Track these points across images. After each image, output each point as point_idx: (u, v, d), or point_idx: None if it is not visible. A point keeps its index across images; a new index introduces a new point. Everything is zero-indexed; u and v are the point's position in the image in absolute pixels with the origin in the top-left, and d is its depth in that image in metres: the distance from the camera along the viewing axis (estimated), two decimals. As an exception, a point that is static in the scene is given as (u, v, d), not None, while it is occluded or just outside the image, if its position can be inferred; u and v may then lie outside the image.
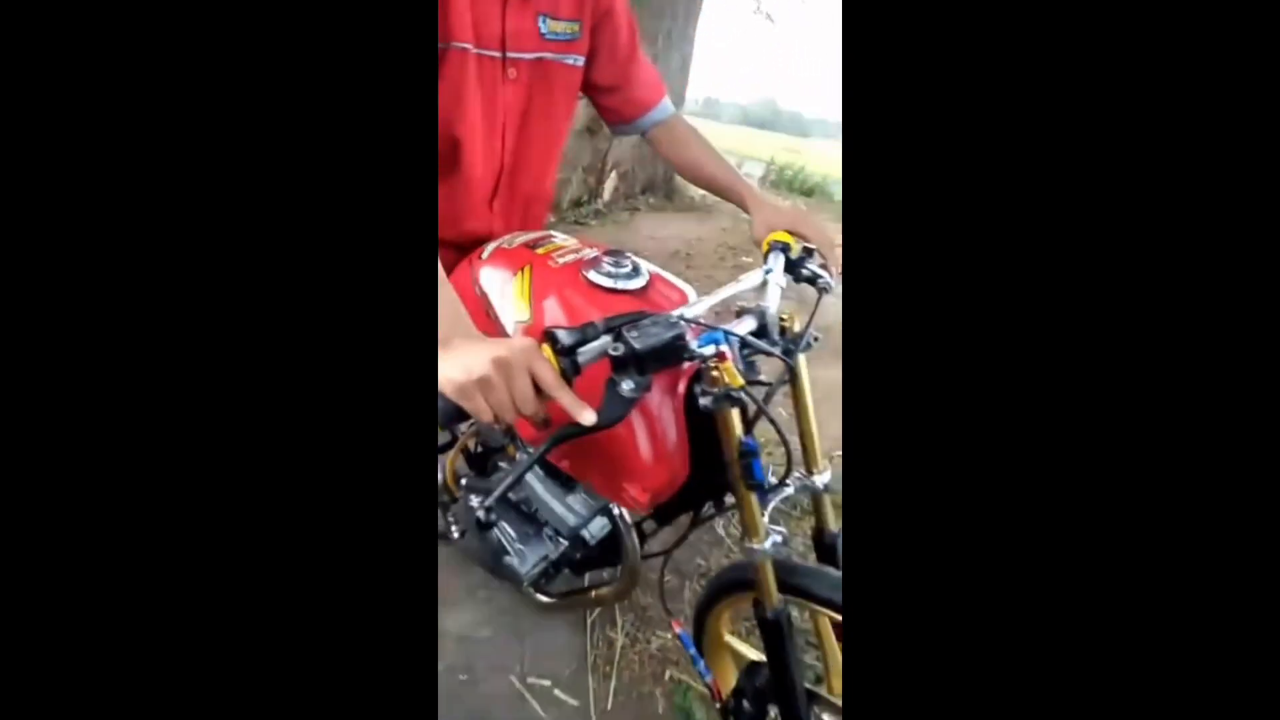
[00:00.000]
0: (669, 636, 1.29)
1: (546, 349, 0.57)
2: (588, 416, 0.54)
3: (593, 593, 1.09)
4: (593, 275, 0.81)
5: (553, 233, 0.96)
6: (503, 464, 1.18)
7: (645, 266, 0.85)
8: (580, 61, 0.93)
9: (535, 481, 1.02)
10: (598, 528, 1.04)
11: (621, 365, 0.57)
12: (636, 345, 0.56)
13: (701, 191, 4.75)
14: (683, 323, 0.60)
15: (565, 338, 0.57)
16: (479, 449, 1.22)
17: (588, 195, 3.93)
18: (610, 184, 4.06)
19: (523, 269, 0.84)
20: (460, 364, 0.52)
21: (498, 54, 0.84)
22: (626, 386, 0.56)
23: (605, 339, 0.58)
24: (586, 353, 0.57)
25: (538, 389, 0.54)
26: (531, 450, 0.97)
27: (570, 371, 0.56)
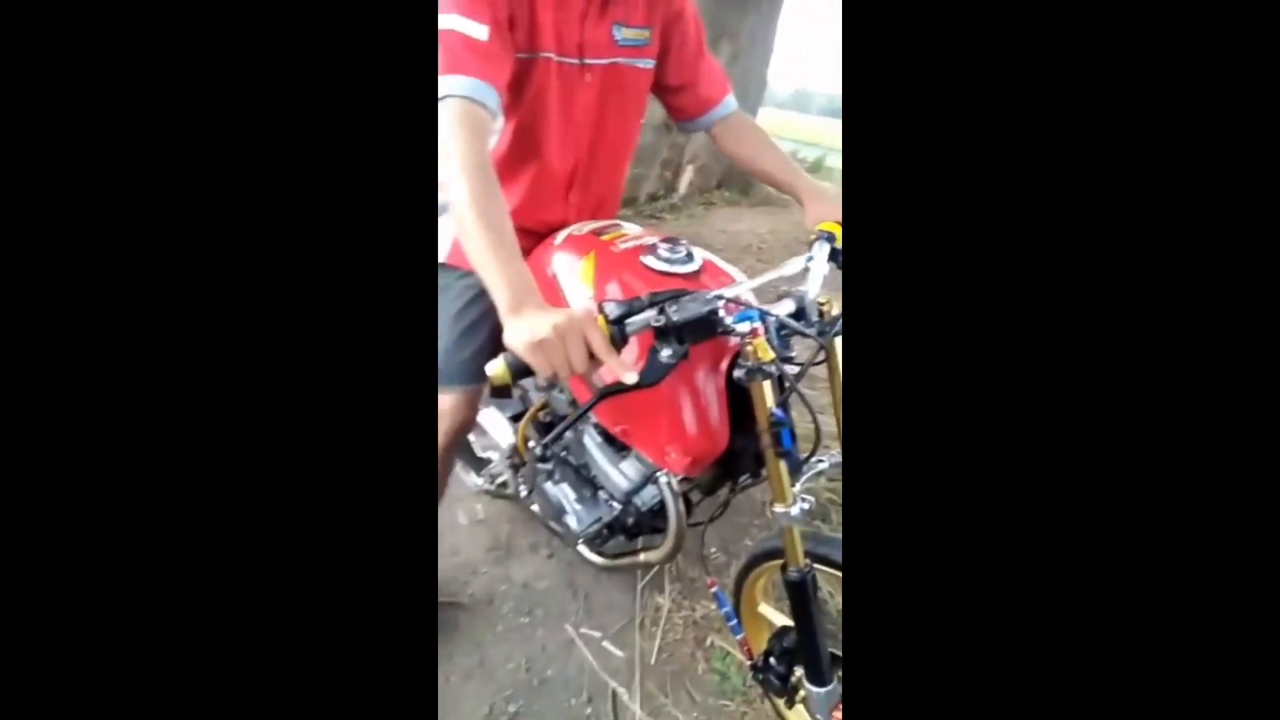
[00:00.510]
0: (713, 607, 1.36)
1: (600, 319, 0.67)
2: (630, 376, 0.63)
3: (641, 555, 1.19)
4: (649, 260, 0.90)
5: (619, 221, 1.05)
6: (567, 433, 1.30)
7: (699, 253, 0.93)
8: (651, 65, 1.02)
9: (593, 447, 1.12)
10: (648, 496, 1.14)
11: (662, 335, 0.66)
12: (675, 317, 0.64)
13: (778, 186, 4.77)
14: (719, 300, 0.67)
15: (614, 310, 0.66)
16: (548, 419, 1.34)
17: (663, 189, 4.02)
18: (686, 178, 4.13)
19: (589, 254, 0.95)
20: (527, 327, 0.63)
21: (576, 61, 0.95)
22: (665, 354, 0.65)
23: (649, 312, 0.67)
24: (633, 323, 0.66)
25: (591, 354, 0.63)
26: (590, 414, 1.08)
27: (618, 339, 0.65)
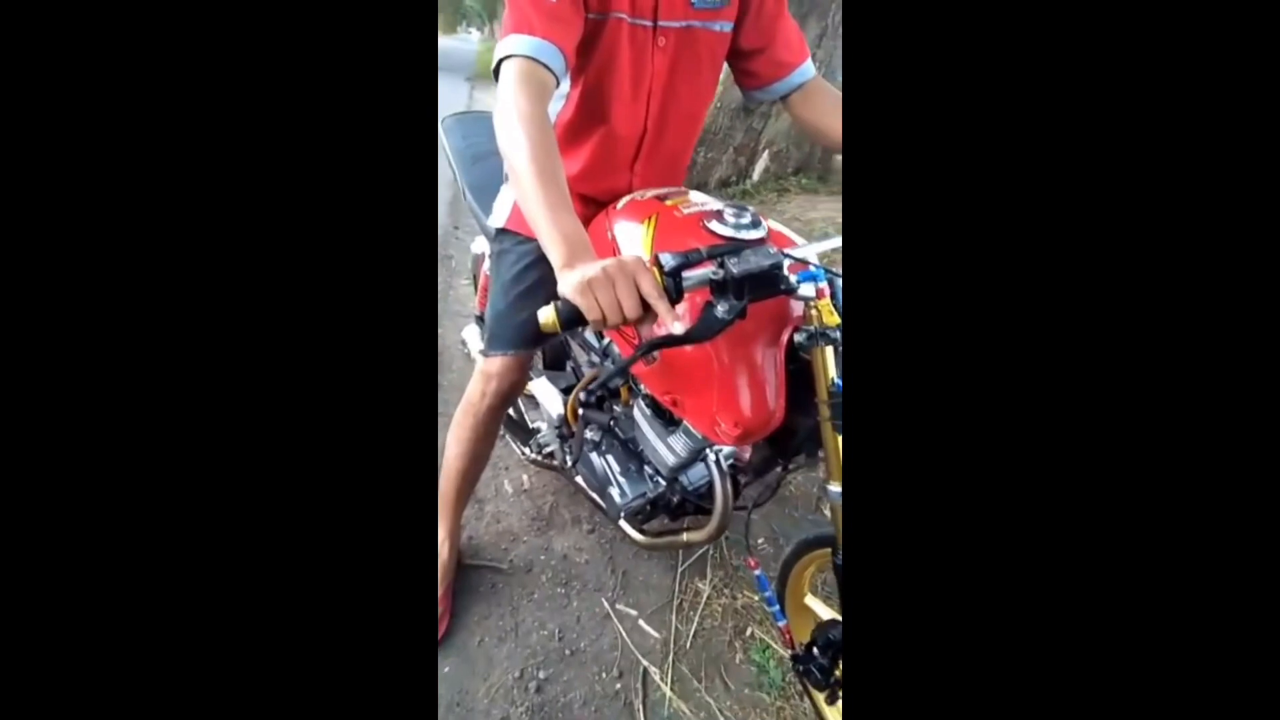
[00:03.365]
0: (755, 597, 1.31)
1: (654, 270, 0.63)
2: (678, 327, 0.58)
3: (684, 535, 1.15)
4: (713, 224, 0.85)
5: (687, 189, 1.01)
6: (616, 407, 1.27)
7: (766, 221, 0.87)
8: (728, 28, 0.96)
9: (641, 419, 1.09)
10: (695, 476, 1.09)
11: (720, 289, 0.61)
12: (735, 270, 0.59)
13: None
14: (783, 257, 0.62)
15: (670, 260, 0.62)
16: (598, 391, 1.32)
17: (736, 175, 3.91)
18: (761, 164, 4.00)
19: (650, 217, 0.91)
20: (579, 274, 0.60)
21: (649, 23, 0.90)
22: (721, 308, 0.60)
23: (708, 265, 0.62)
24: (690, 277, 0.62)
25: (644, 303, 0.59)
26: (644, 389, 1.05)
27: (674, 291, 0.61)
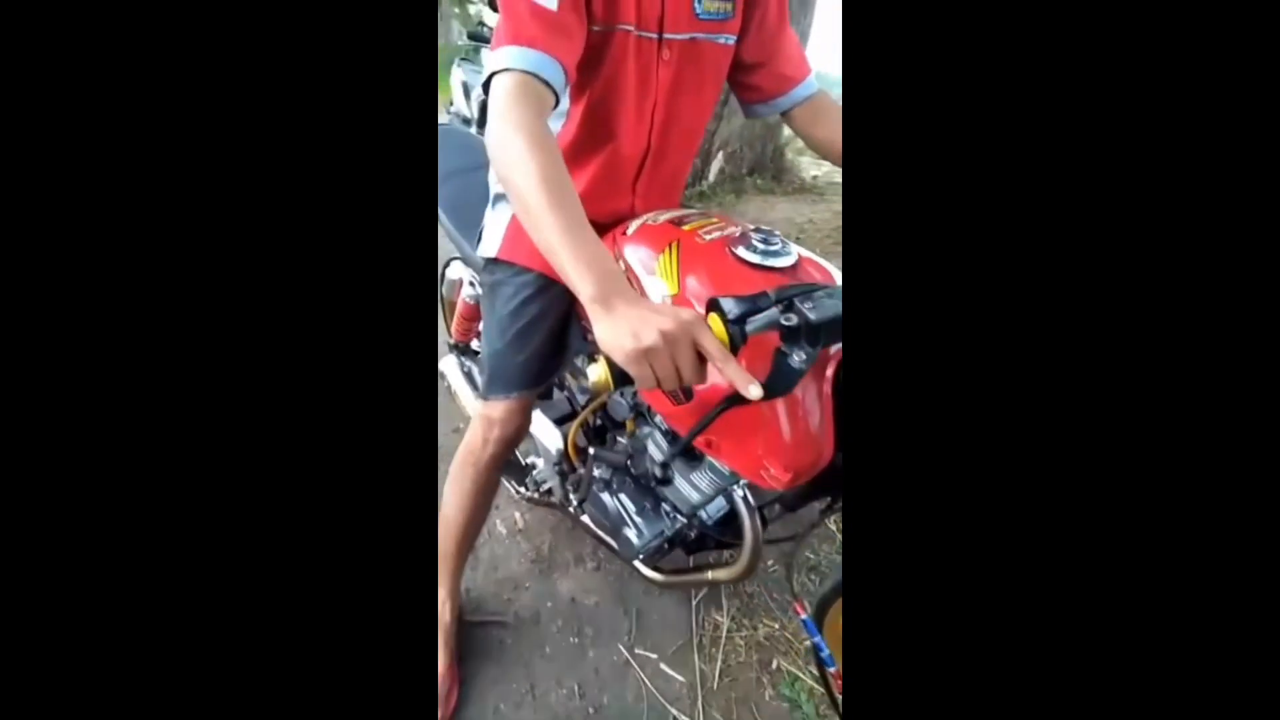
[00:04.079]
0: (775, 626, 1.26)
1: (714, 319, 0.56)
2: (755, 390, 0.52)
3: (708, 574, 1.08)
4: (741, 251, 0.79)
5: (698, 209, 0.94)
6: (621, 438, 1.19)
7: (793, 245, 0.82)
8: (731, 40, 0.91)
9: (658, 455, 1.02)
10: (715, 508, 1.03)
11: (792, 336, 0.55)
12: (811, 316, 0.53)
13: (813, 173, 4.59)
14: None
15: (733, 307, 0.55)
16: (598, 422, 1.24)
17: (693, 177, 3.89)
18: (716, 165, 3.98)
19: (670, 245, 0.83)
20: (628, 330, 0.52)
21: (655, 35, 0.83)
22: (798, 358, 0.54)
23: (775, 310, 0.55)
24: (756, 323, 0.55)
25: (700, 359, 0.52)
26: (660, 421, 0.97)
27: (738, 341, 0.54)
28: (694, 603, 1.29)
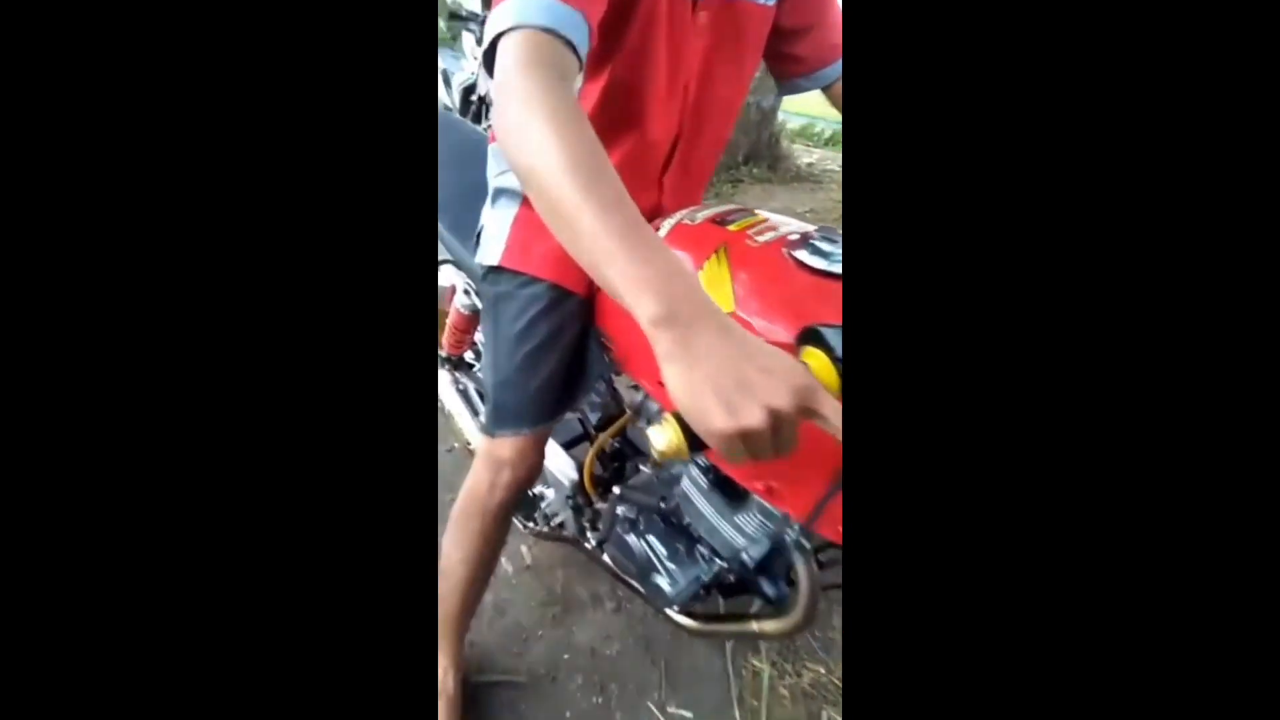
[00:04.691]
0: (821, 670, 1.12)
1: (815, 356, 0.42)
2: None
3: (754, 625, 0.94)
4: (803, 255, 0.64)
5: (739, 205, 0.79)
6: (643, 467, 1.04)
7: None
8: (772, 2, 0.75)
9: (696, 493, 0.87)
10: (757, 550, 0.89)
11: None
12: None
13: (808, 160, 4.47)
14: None
15: (839, 339, 0.41)
16: (615, 445, 1.08)
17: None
18: (710, 154, 3.83)
19: (716, 250, 0.68)
20: (718, 399, 0.38)
21: None
22: None
23: None
24: None
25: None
26: (699, 463, 0.83)
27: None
28: (728, 647, 1.15)
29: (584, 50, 0.54)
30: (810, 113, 5.80)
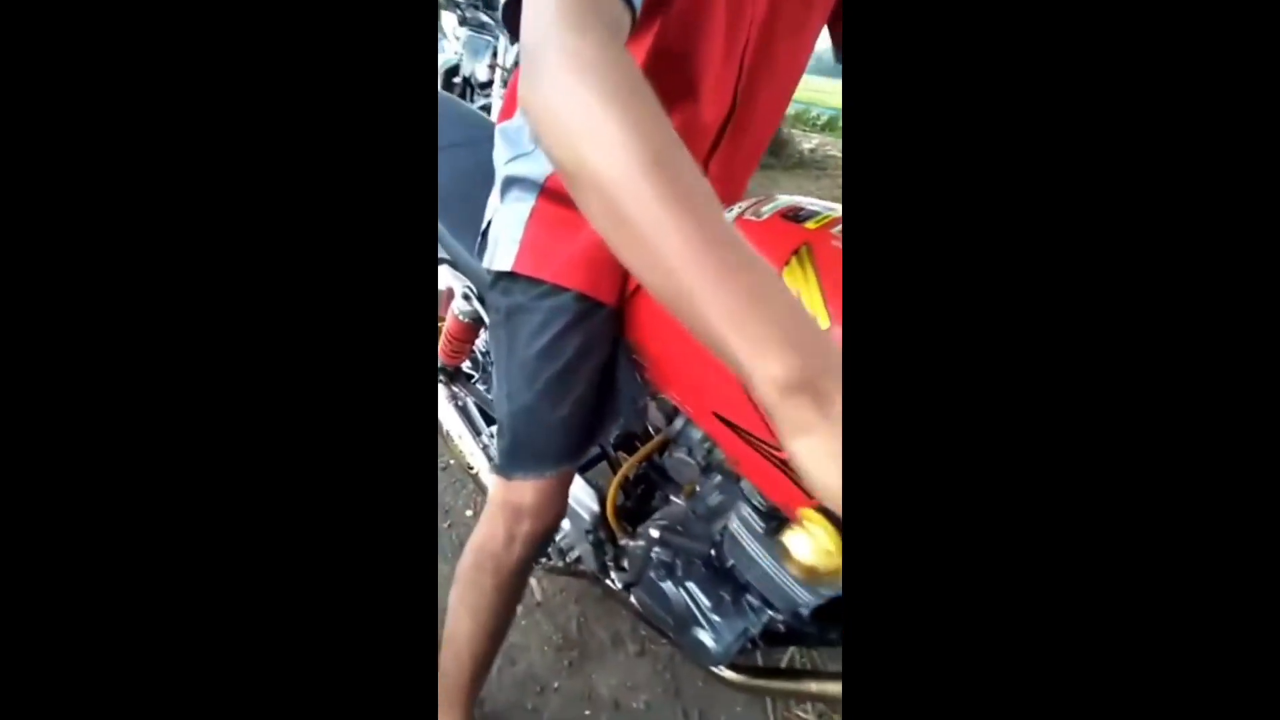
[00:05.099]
0: None
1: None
2: None
3: (811, 685, 0.81)
4: None
5: (807, 198, 0.65)
6: (675, 498, 0.91)
7: None
8: None
9: (749, 537, 0.74)
10: (816, 600, 0.76)
11: None
12: None
13: (809, 145, 4.35)
14: None
15: None
16: (639, 470, 0.95)
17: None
18: (708, 140, 3.70)
19: (797, 251, 0.55)
20: None
21: None
22: None
23: None
24: None
25: None
26: (749, 488, 0.70)
27: None
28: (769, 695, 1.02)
29: (638, 2, 0.41)
30: (804, 98, 5.70)
